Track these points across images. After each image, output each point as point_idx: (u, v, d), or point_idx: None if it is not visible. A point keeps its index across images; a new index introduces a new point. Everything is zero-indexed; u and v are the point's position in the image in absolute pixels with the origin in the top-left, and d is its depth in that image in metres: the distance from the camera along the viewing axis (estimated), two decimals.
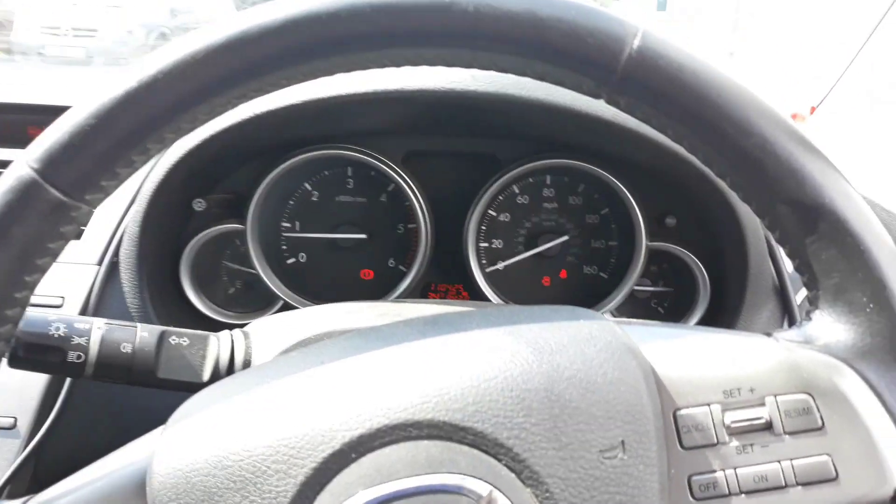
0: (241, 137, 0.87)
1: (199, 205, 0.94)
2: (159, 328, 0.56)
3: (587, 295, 1.10)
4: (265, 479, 0.37)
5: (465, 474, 0.36)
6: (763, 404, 0.41)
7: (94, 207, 0.41)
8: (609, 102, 0.42)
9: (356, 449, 0.36)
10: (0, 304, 0.39)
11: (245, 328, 0.60)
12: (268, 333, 0.58)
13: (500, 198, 1.08)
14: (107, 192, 0.41)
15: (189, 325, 1.03)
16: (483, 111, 0.91)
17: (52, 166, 0.38)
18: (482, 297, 1.07)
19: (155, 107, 0.39)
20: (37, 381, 0.85)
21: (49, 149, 0.39)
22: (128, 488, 0.40)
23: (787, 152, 0.40)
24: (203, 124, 0.42)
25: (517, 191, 1.09)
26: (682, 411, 0.40)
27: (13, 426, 0.83)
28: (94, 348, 0.53)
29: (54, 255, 0.41)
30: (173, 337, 0.56)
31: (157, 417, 0.84)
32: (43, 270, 0.41)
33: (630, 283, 1.03)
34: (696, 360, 0.42)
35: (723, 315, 1.01)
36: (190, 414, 0.42)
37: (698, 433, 0.40)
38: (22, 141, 1.09)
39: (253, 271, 1.04)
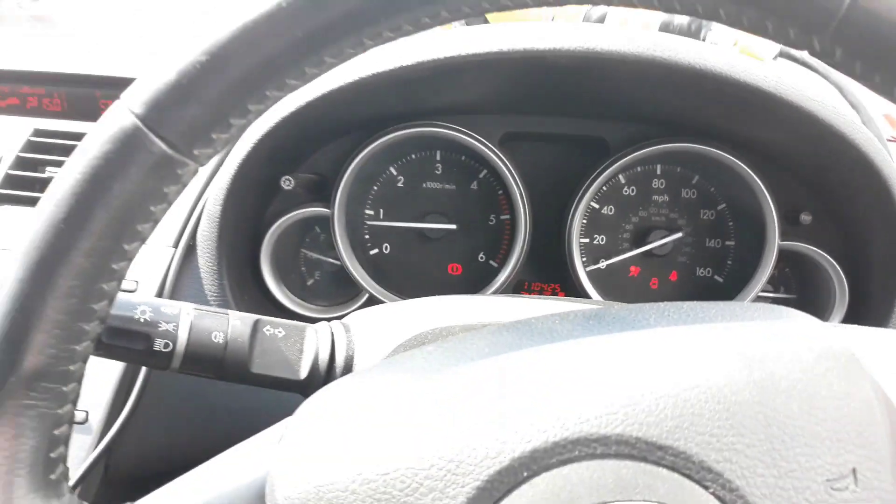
0: (327, 112, 0.79)
1: (287, 182, 0.86)
2: (253, 316, 0.51)
3: (700, 300, 0.98)
4: (417, 498, 0.30)
5: (663, 503, 0.29)
6: None
7: (201, 165, 0.35)
8: (816, 53, 0.34)
9: (529, 466, 0.30)
10: (97, 275, 0.33)
11: (344, 320, 0.54)
12: (371, 327, 0.51)
13: (605, 188, 0.98)
14: (216, 149, 0.35)
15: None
16: (601, 81, 0.81)
17: (157, 112, 0.32)
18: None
19: (279, 43, 0.31)
20: (111, 372, 0.79)
21: (154, 92, 0.32)
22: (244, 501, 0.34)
23: None
24: (324, 72, 0.34)
25: (623, 181, 0.99)
26: None
27: (85, 420, 0.77)
28: (182, 336, 0.48)
29: (155, 221, 0.35)
30: (268, 327, 0.50)
31: (242, 416, 0.78)
32: (143, 238, 0.35)
33: (756, 288, 0.91)
34: None
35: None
36: (315, 417, 0.35)
37: None
38: (94, 114, 1.04)
39: (334, 261, 0.97)
